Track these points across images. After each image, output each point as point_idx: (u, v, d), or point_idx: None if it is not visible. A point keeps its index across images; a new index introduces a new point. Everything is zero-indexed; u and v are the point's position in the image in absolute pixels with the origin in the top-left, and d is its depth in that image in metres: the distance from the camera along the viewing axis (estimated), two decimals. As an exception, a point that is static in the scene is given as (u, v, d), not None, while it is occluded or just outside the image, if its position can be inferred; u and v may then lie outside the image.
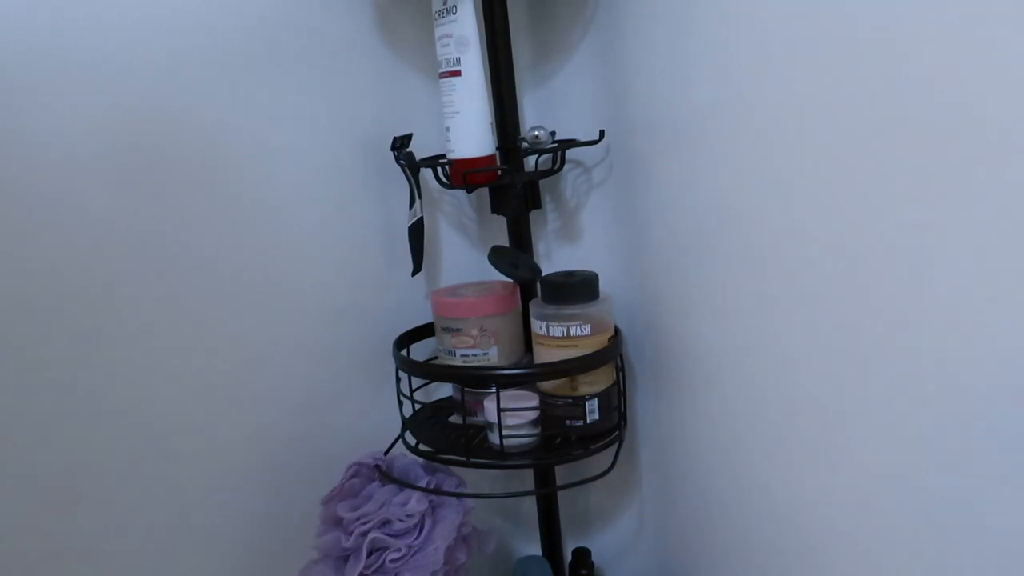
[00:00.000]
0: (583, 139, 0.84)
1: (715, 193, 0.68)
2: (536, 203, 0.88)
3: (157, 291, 0.75)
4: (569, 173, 0.90)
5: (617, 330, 0.81)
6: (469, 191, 0.79)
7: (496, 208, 0.87)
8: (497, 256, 0.80)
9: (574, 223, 0.92)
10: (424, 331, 0.90)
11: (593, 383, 0.78)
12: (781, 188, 0.61)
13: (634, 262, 0.84)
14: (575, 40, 0.86)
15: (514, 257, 0.82)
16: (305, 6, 0.81)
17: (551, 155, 0.85)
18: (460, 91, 0.78)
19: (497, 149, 0.83)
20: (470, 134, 0.79)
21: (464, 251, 0.96)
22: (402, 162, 0.83)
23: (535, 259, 0.93)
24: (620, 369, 0.81)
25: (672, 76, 0.72)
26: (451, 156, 0.80)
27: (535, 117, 0.93)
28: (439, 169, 0.82)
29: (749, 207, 0.64)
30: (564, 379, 0.78)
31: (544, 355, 0.79)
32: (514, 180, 0.80)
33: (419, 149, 0.86)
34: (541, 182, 0.89)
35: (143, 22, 0.72)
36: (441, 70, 0.79)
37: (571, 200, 0.92)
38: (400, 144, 0.84)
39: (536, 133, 0.76)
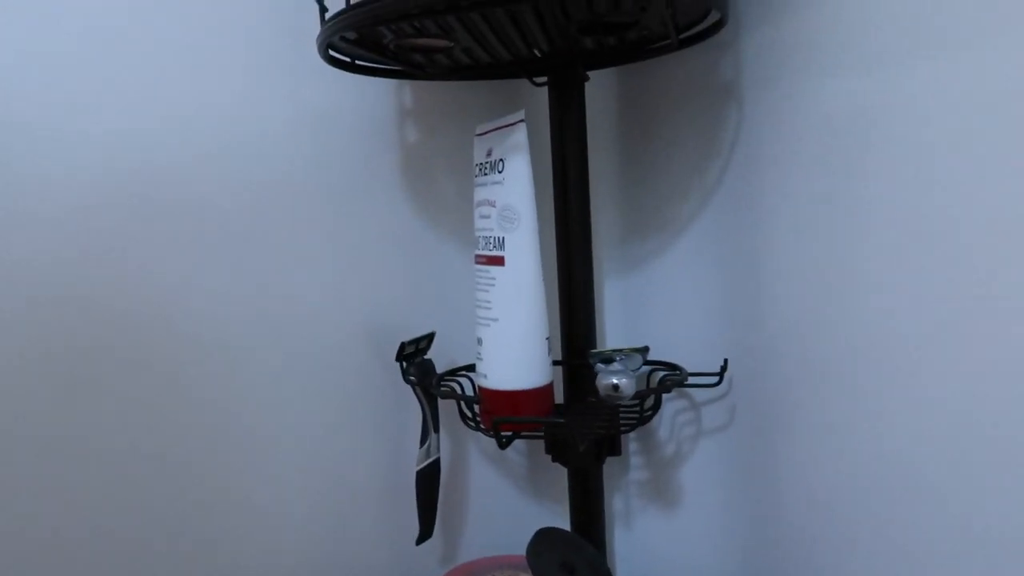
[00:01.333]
0: (693, 361, 0.54)
1: (897, 464, 0.37)
2: (614, 449, 0.57)
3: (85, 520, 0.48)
4: (668, 404, 0.60)
5: None
6: (503, 446, 0.49)
7: (554, 453, 0.57)
8: (538, 554, 0.49)
9: (669, 480, 0.61)
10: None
11: None
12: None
13: (760, 559, 0.52)
14: (685, 213, 0.57)
15: (570, 552, 0.51)
16: (303, 138, 0.57)
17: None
18: (501, 288, 0.50)
19: (562, 363, 0.54)
20: (512, 355, 0.50)
21: (506, 505, 0.65)
22: (411, 379, 0.55)
23: (607, 525, 0.62)
24: None
25: (838, 282, 0.42)
26: (482, 384, 0.52)
27: (619, 318, 0.64)
28: (462, 403, 0.53)
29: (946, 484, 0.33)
30: None
31: None
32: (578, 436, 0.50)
33: (455, 354, 0.58)
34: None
35: (110, 149, 0.51)
36: (477, 251, 0.52)
37: (667, 446, 0.61)
38: (412, 352, 0.56)
39: (615, 382, 0.43)
